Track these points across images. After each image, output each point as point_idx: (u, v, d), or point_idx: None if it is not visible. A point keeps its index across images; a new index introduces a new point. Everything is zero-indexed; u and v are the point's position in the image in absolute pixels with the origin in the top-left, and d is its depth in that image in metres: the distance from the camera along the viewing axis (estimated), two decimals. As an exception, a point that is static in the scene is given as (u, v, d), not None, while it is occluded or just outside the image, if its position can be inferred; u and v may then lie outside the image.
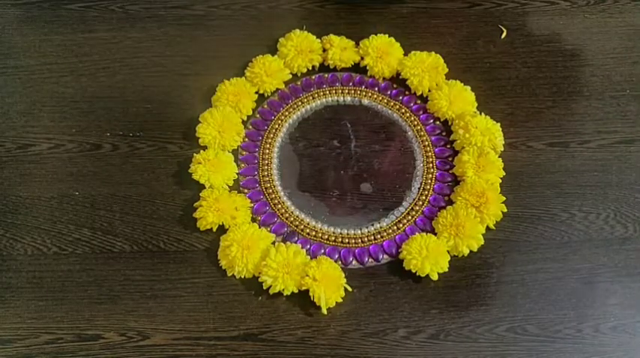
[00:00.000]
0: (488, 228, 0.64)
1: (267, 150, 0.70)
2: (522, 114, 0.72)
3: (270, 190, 0.67)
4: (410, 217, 0.66)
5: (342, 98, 0.73)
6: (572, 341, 0.59)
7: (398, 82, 0.74)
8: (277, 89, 0.74)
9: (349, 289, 0.61)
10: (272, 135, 0.71)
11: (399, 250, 0.63)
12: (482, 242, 0.63)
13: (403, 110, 0.72)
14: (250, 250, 0.62)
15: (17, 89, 0.74)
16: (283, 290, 0.61)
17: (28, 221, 0.66)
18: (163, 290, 0.62)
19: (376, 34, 0.75)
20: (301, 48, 0.74)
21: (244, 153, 0.70)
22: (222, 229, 0.64)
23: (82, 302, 0.62)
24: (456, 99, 0.71)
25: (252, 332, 0.60)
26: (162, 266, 0.63)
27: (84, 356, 0.59)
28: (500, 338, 0.59)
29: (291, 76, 0.74)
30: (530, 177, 0.68)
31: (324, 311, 0.60)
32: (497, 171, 0.67)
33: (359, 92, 0.73)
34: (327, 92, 0.73)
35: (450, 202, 0.66)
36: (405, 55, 0.75)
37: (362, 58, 0.75)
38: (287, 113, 0.72)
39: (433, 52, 0.74)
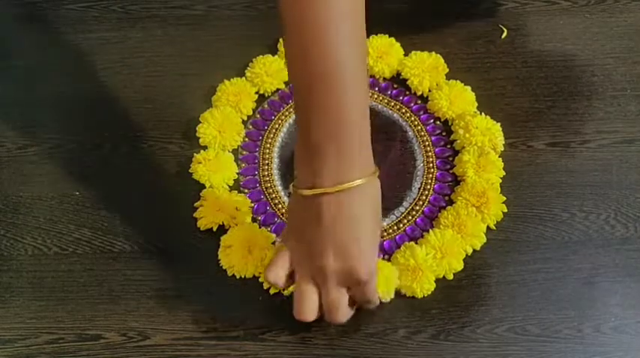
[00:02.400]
0: (488, 228, 0.64)
1: (268, 150, 0.70)
2: (522, 114, 0.72)
3: (271, 190, 0.67)
4: (410, 217, 0.66)
5: (342, 98, 0.73)
6: (573, 341, 0.59)
7: (398, 82, 0.74)
8: (278, 89, 0.74)
9: (349, 289, 0.61)
10: (272, 135, 0.71)
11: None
12: (484, 240, 0.63)
13: (403, 110, 0.72)
14: (251, 250, 0.62)
15: (18, 89, 0.74)
16: (283, 290, 0.61)
17: (29, 221, 0.66)
18: (164, 290, 0.62)
19: (376, 34, 0.75)
20: (301, 48, 0.74)
21: (245, 152, 0.70)
22: (222, 229, 0.64)
23: (83, 302, 0.62)
24: (457, 99, 0.71)
25: (252, 332, 0.60)
26: (163, 266, 0.63)
27: (85, 356, 0.59)
28: (500, 339, 0.59)
29: (291, 76, 0.74)
30: (531, 177, 0.68)
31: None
32: (498, 171, 0.67)
33: (359, 92, 0.73)
34: (328, 92, 0.73)
35: (451, 202, 0.66)
36: (406, 55, 0.75)
37: (362, 58, 0.75)
38: (287, 113, 0.72)
39: (433, 52, 0.74)
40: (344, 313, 0.55)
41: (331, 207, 0.51)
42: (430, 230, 0.64)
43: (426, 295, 0.61)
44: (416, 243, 0.63)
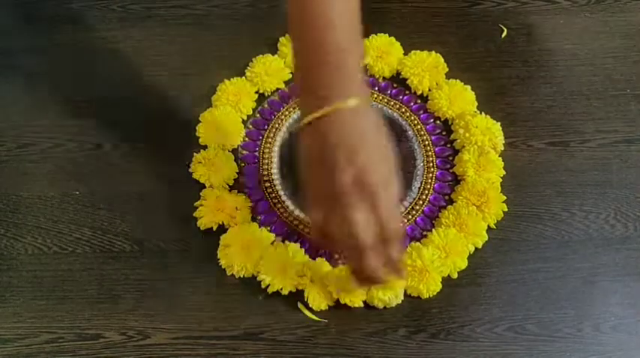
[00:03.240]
0: (488, 228, 0.64)
1: (268, 150, 0.70)
2: (522, 114, 0.72)
3: (270, 190, 0.67)
4: (410, 216, 0.66)
5: (342, 98, 0.73)
6: (573, 340, 0.59)
7: (398, 81, 0.74)
8: (278, 89, 0.74)
9: (349, 288, 0.61)
10: (272, 135, 0.71)
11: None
12: (486, 238, 0.63)
13: (403, 109, 0.72)
14: (250, 250, 0.62)
15: (18, 89, 0.74)
16: (281, 289, 0.61)
17: (29, 220, 0.66)
18: (163, 289, 0.62)
19: (376, 34, 0.75)
20: (301, 47, 0.74)
21: (244, 152, 0.70)
22: (222, 229, 0.64)
23: (83, 301, 0.62)
24: (456, 99, 0.71)
25: (252, 331, 0.60)
26: (163, 266, 0.63)
27: (84, 356, 0.59)
28: (500, 338, 0.59)
29: (291, 76, 0.74)
30: (531, 177, 0.68)
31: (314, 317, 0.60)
32: (498, 170, 0.67)
33: (359, 92, 0.73)
34: (328, 92, 0.73)
35: (451, 201, 0.66)
36: (405, 54, 0.75)
37: (362, 58, 0.75)
38: (287, 112, 0.72)
39: (433, 52, 0.74)
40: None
41: (335, 126, 0.51)
42: (433, 229, 0.64)
43: (431, 296, 0.61)
44: (418, 243, 0.63)
